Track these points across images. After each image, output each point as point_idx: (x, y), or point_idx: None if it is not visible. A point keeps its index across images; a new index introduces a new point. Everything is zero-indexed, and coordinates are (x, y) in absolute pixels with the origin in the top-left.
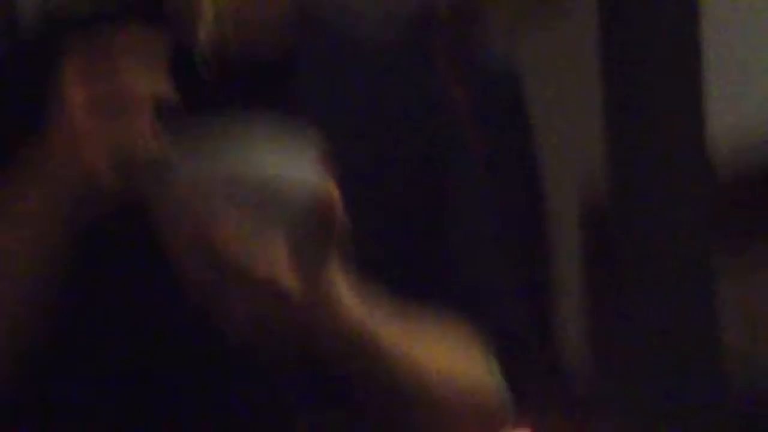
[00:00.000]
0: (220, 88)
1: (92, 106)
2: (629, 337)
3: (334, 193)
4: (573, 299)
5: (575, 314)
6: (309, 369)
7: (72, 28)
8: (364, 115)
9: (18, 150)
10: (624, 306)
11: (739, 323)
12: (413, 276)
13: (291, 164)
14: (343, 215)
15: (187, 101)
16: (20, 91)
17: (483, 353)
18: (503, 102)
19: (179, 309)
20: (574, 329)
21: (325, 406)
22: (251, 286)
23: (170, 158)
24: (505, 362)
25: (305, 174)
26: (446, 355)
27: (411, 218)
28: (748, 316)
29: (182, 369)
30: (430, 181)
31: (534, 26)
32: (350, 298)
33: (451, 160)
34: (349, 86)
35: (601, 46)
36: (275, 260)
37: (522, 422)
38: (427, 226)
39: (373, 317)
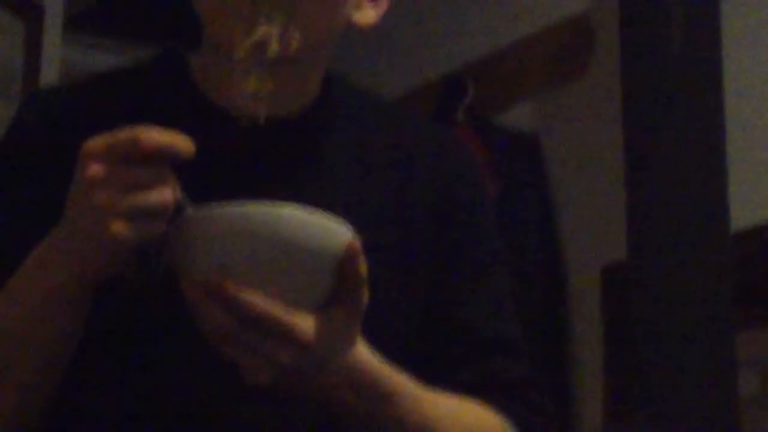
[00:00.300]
0: (247, 149)
1: (110, 180)
2: (648, 398)
3: (358, 246)
4: (593, 369)
5: (593, 382)
6: (324, 418)
7: (97, 86)
8: (388, 183)
9: (43, 219)
10: (643, 371)
11: (756, 384)
12: (429, 350)
13: (313, 220)
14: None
15: (210, 158)
16: (45, 157)
17: (500, 426)
18: (523, 164)
19: (196, 360)
20: (591, 398)
21: None
22: (269, 335)
23: (186, 205)
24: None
25: (328, 228)
26: (462, 421)
27: (431, 288)
28: (766, 379)
29: (198, 417)
30: (452, 246)
31: (555, 88)
32: (369, 358)
33: (472, 226)
34: (374, 154)
35: (624, 108)
36: (295, 311)
37: None
38: (446, 295)
39: (391, 378)
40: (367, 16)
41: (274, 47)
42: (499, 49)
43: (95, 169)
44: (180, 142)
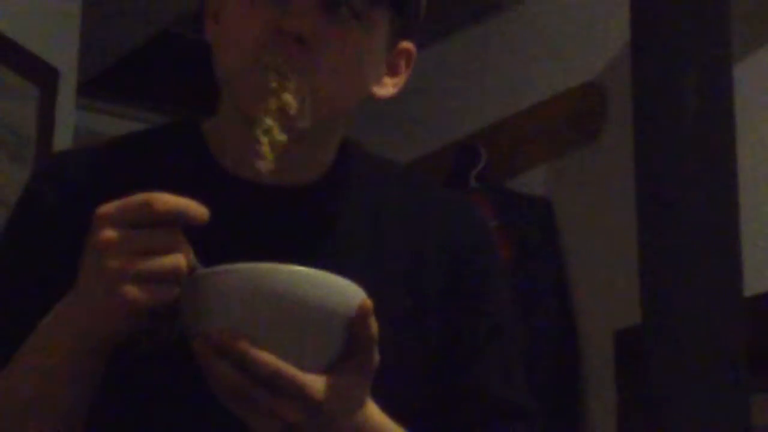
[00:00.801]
0: (261, 214)
1: (123, 245)
2: None
3: (370, 306)
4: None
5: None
6: None
7: (111, 151)
8: (402, 249)
9: (57, 287)
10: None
11: None
12: (439, 414)
13: (324, 278)
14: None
15: (223, 224)
16: (59, 222)
17: None
18: (535, 228)
19: (208, 418)
20: None
21: None
22: (280, 393)
23: (199, 269)
24: None
25: (340, 287)
26: None
27: (443, 353)
28: None
29: None
30: (464, 311)
31: (567, 153)
32: (379, 418)
33: (485, 292)
34: (388, 220)
35: (636, 173)
36: (306, 369)
37: None
38: (458, 360)
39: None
40: (387, 89)
41: (294, 116)
42: (512, 114)
43: (107, 234)
44: (193, 207)
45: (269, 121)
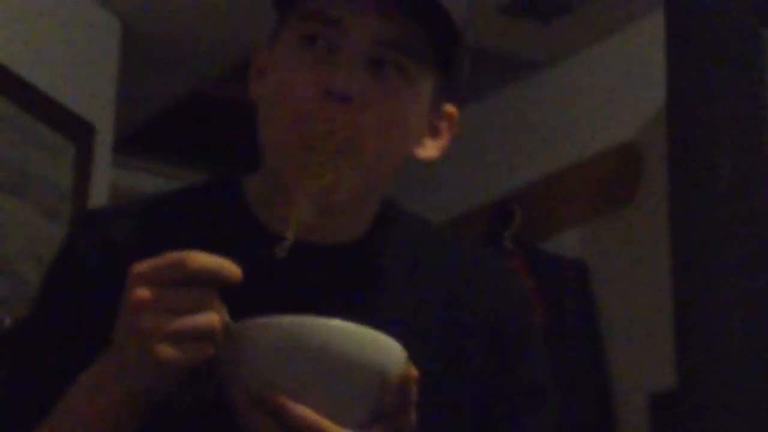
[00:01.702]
0: (299, 273)
1: (157, 304)
2: None
3: (415, 373)
4: None
5: None
6: None
7: (149, 208)
8: (438, 310)
9: (95, 341)
10: None
11: None
12: None
13: (363, 333)
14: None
15: (262, 280)
16: (97, 280)
17: None
18: (570, 290)
19: None
20: None
21: None
22: None
23: (232, 324)
24: None
25: (378, 341)
26: None
27: (478, 415)
28: None
29: None
30: (500, 373)
31: (603, 214)
32: None
33: (520, 354)
34: (424, 281)
35: (671, 234)
36: (343, 424)
37: None
38: (494, 423)
39: None
40: (429, 151)
41: (334, 186)
42: (547, 175)
43: (142, 293)
44: (227, 266)
45: (304, 200)
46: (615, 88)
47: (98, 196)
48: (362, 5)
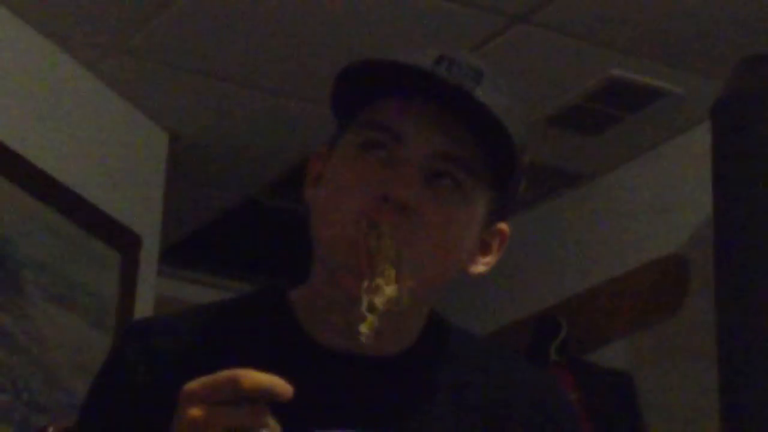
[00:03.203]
0: (347, 386)
1: (209, 423)
2: None
3: None
4: None
5: None
6: None
7: (196, 319)
8: (483, 425)
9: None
10: None
11: None
12: None
13: None
14: None
15: (311, 394)
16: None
17: None
18: (616, 402)
19: None
20: None
21: None
22: None
23: None
24: None
25: None
26: None
27: None
28: None
29: None
30: None
31: (649, 325)
32: None
33: None
34: (470, 395)
35: (719, 346)
36: None
37: None
38: None
39: None
40: (479, 267)
41: (386, 297)
42: (593, 286)
43: (195, 413)
44: (279, 384)
45: (371, 299)
46: (662, 200)
47: (143, 306)
48: (423, 118)
